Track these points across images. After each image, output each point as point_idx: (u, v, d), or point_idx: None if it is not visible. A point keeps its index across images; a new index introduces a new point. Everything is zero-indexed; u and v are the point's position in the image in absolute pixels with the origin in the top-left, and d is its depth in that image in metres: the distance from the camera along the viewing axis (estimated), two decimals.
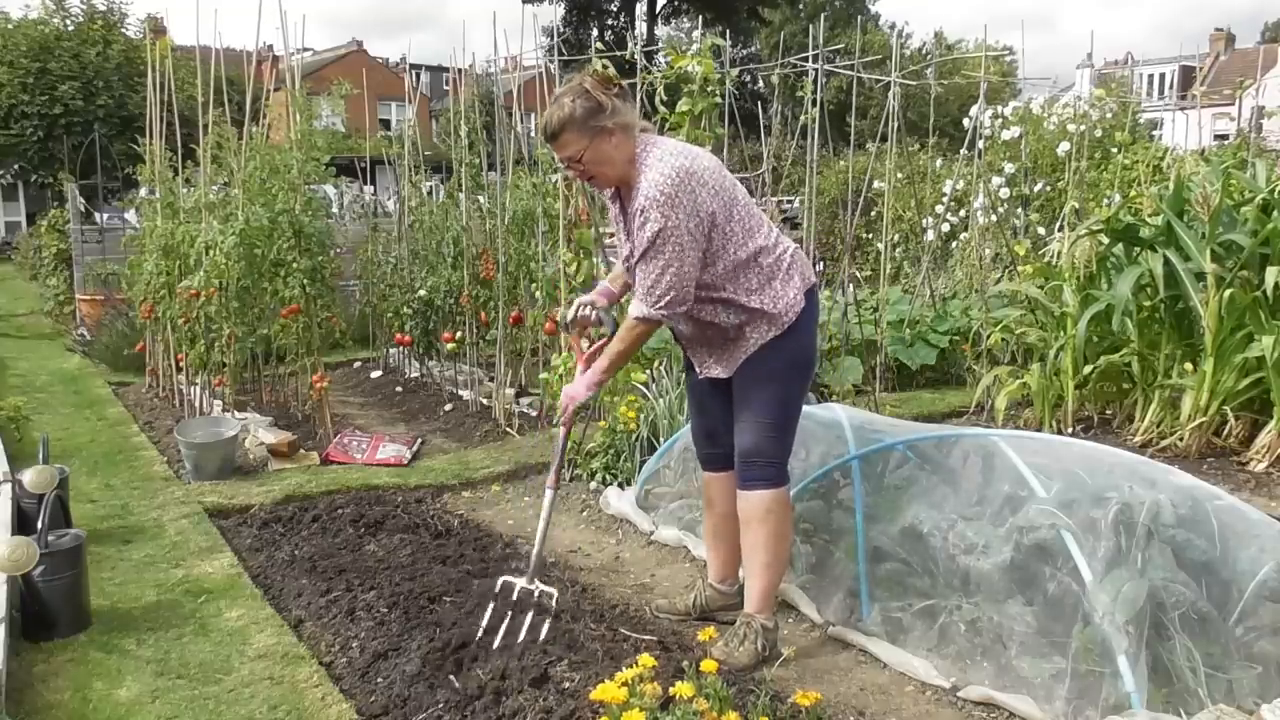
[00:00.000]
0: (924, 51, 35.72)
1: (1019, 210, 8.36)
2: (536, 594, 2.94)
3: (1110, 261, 5.62)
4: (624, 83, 2.89)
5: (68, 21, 19.94)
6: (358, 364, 8.23)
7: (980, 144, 7.65)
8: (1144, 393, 5.46)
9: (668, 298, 2.78)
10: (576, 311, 3.09)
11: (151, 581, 3.59)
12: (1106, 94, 10.48)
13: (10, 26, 19.60)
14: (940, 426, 4.98)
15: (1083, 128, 7.57)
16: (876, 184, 7.71)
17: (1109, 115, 10.11)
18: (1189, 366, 5.19)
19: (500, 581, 2.99)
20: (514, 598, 2.93)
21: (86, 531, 3.38)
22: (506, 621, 2.87)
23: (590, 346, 3.16)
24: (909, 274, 9.16)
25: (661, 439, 4.53)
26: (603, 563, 3.89)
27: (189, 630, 3.18)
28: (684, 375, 3.43)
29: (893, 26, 40.25)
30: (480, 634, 2.86)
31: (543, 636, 2.82)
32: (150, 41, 8.02)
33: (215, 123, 6.05)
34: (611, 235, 5.15)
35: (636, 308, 2.84)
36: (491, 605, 2.92)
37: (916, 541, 3.11)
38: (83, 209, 10.89)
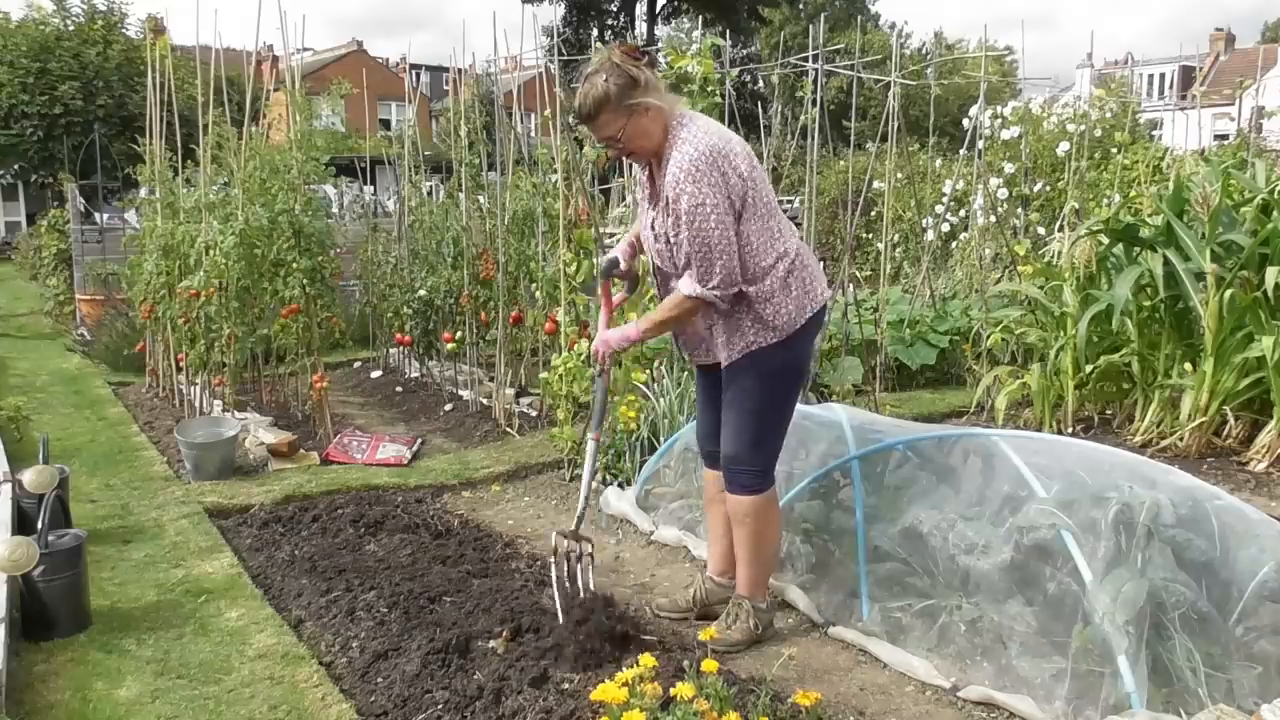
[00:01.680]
0: (924, 51, 35.72)
1: (1019, 210, 8.37)
2: (580, 548, 3.14)
3: (1110, 261, 5.62)
4: (650, 50, 2.89)
5: (67, 22, 19.91)
6: (358, 364, 8.22)
7: (980, 144, 7.65)
8: (1144, 393, 5.46)
9: (718, 276, 2.76)
10: (614, 262, 3.15)
11: (151, 581, 3.59)
12: (1106, 94, 10.48)
13: (12, 26, 19.58)
14: (940, 426, 4.98)
15: (1082, 128, 7.57)
16: (876, 184, 7.71)
17: (1109, 115, 10.11)
18: (1189, 367, 5.19)
19: (554, 535, 3.12)
20: (566, 549, 3.11)
21: (86, 531, 3.38)
22: (567, 575, 3.09)
23: (616, 296, 3.29)
24: (909, 274, 9.16)
25: (661, 439, 4.53)
26: (603, 562, 3.88)
27: (189, 630, 3.18)
28: (692, 373, 3.44)
29: (893, 26, 40.29)
30: (555, 591, 3.01)
31: (591, 580, 3.14)
32: (150, 41, 8.02)
33: (215, 122, 6.05)
34: (611, 235, 5.16)
35: (688, 285, 2.82)
36: (553, 561, 3.05)
37: (916, 541, 3.11)
38: (83, 209, 10.88)
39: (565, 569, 3.07)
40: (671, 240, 2.83)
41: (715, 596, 3.26)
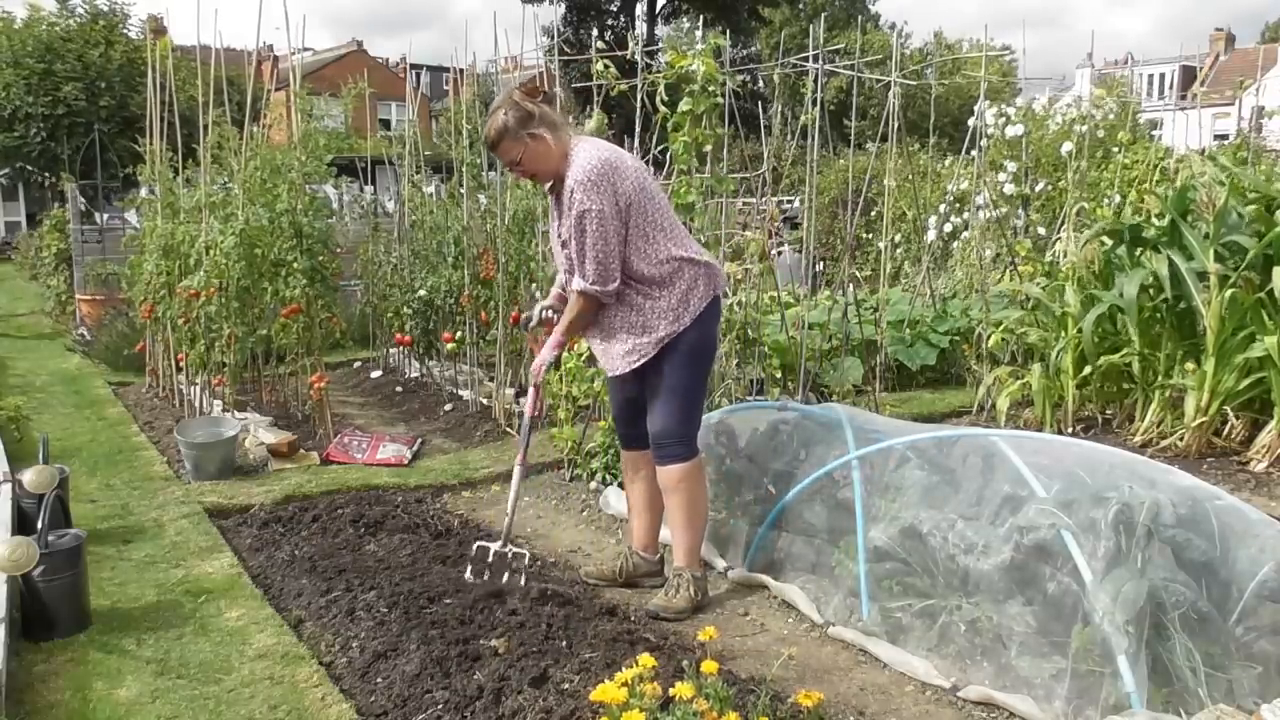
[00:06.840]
0: (924, 51, 35.71)
1: (1019, 210, 8.36)
2: (510, 555, 3.40)
3: (1113, 261, 5.62)
4: (547, 90, 3.32)
5: (70, 22, 19.92)
6: (358, 364, 8.22)
7: (982, 143, 7.65)
8: (1145, 393, 5.46)
9: (596, 273, 3.12)
10: (539, 315, 3.54)
11: (151, 581, 3.59)
12: (1107, 94, 10.48)
13: (16, 27, 19.59)
14: (940, 426, 4.97)
15: (1085, 127, 7.57)
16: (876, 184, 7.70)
17: (1110, 115, 10.10)
18: (1190, 366, 5.19)
19: (475, 546, 3.43)
20: (489, 560, 3.38)
21: (86, 531, 3.39)
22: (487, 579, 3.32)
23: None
24: (909, 274, 9.16)
25: None
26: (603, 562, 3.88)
27: (189, 630, 3.18)
28: None
29: (893, 26, 40.30)
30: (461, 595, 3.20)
31: (523, 579, 3.33)
32: (150, 41, 8.02)
33: (216, 122, 6.05)
34: None
35: (577, 282, 3.21)
36: (470, 567, 3.36)
37: (916, 541, 3.11)
38: (83, 209, 10.88)
39: (488, 567, 3.35)
40: (570, 244, 3.19)
41: (641, 570, 3.59)
